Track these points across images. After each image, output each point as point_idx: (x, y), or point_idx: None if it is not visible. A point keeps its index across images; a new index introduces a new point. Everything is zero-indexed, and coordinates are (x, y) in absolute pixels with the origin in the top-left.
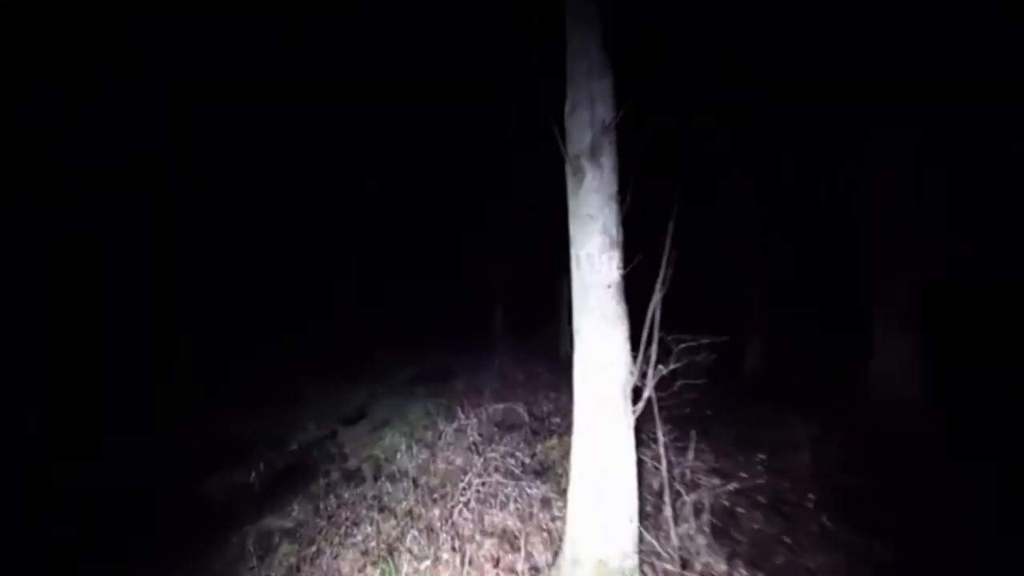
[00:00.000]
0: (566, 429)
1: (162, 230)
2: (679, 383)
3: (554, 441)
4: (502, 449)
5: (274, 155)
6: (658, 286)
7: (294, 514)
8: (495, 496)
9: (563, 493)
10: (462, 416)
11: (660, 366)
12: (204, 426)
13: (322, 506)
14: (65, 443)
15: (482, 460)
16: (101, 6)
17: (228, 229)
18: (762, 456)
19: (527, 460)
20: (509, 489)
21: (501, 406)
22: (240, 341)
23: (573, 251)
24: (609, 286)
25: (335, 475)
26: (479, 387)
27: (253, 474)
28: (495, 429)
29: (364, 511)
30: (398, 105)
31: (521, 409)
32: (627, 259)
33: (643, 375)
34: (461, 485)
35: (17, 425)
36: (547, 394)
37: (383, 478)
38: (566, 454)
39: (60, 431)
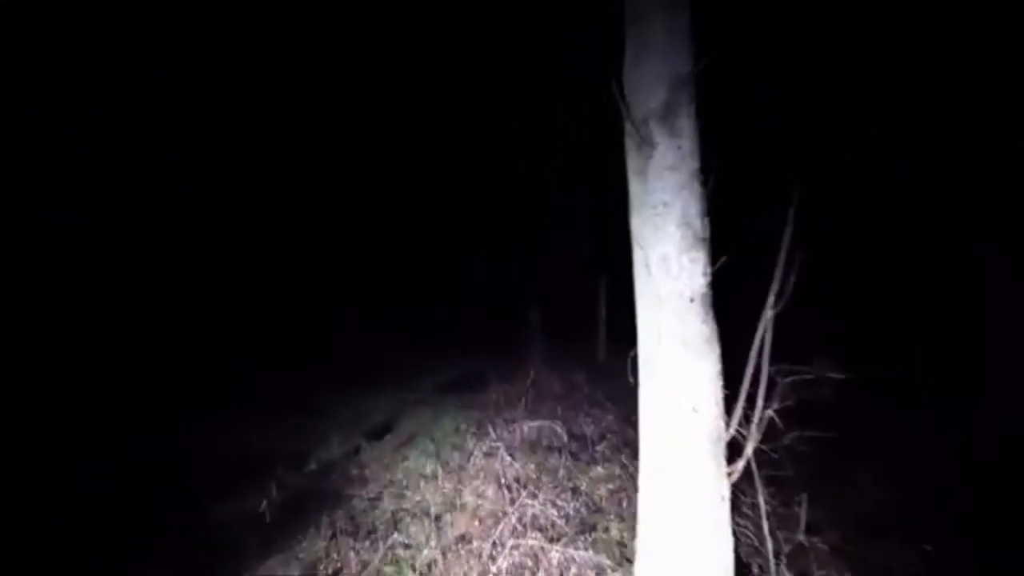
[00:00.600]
0: (612, 454)
1: (162, 229)
2: (792, 435)
3: (599, 471)
4: (541, 497)
5: (274, 154)
6: (771, 300)
7: (302, 556)
8: (534, 570)
9: (621, 563)
10: (493, 434)
11: (768, 410)
12: (217, 438)
13: (332, 552)
14: (59, 452)
15: (517, 512)
16: (99, 5)
17: (227, 228)
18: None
19: (571, 505)
20: (552, 558)
21: (536, 424)
22: (249, 342)
23: (638, 252)
24: (692, 299)
25: (353, 504)
26: (513, 398)
27: (264, 503)
28: (531, 453)
29: (377, 562)
30: (401, 104)
31: (559, 428)
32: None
33: (743, 423)
34: (492, 539)
35: (15, 442)
36: (587, 410)
37: (403, 513)
38: (617, 490)
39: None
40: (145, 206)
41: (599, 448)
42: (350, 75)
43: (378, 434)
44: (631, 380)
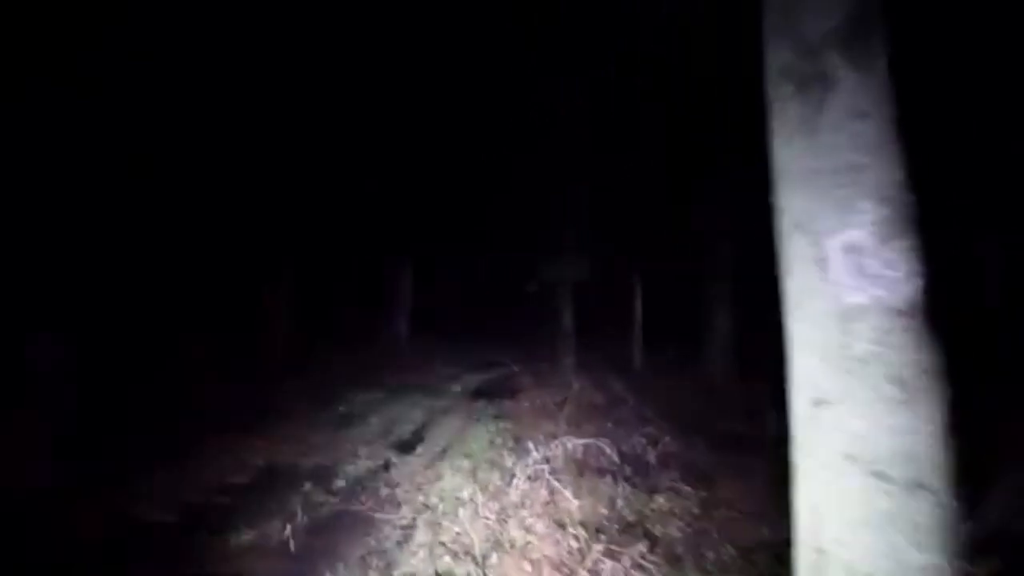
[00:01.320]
0: (675, 482)
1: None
2: None
3: (662, 502)
4: (613, 547)
5: (281, 154)
6: None
7: None
8: None
9: None
10: (534, 452)
11: None
12: (242, 449)
13: None
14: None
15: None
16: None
17: (234, 218)
18: None
19: (647, 558)
20: None
21: (582, 442)
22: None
23: (797, 241)
24: (901, 311)
25: (384, 533)
26: (550, 408)
27: (288, 528)
28: (577, 476)
29: None
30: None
31: (608, 448)
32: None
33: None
34: None
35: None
36: (638, 426)
37: (441, 549)
38: (693, 532)
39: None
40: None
41: (659, 474)
42: (351, 72)
43: (408, 446)
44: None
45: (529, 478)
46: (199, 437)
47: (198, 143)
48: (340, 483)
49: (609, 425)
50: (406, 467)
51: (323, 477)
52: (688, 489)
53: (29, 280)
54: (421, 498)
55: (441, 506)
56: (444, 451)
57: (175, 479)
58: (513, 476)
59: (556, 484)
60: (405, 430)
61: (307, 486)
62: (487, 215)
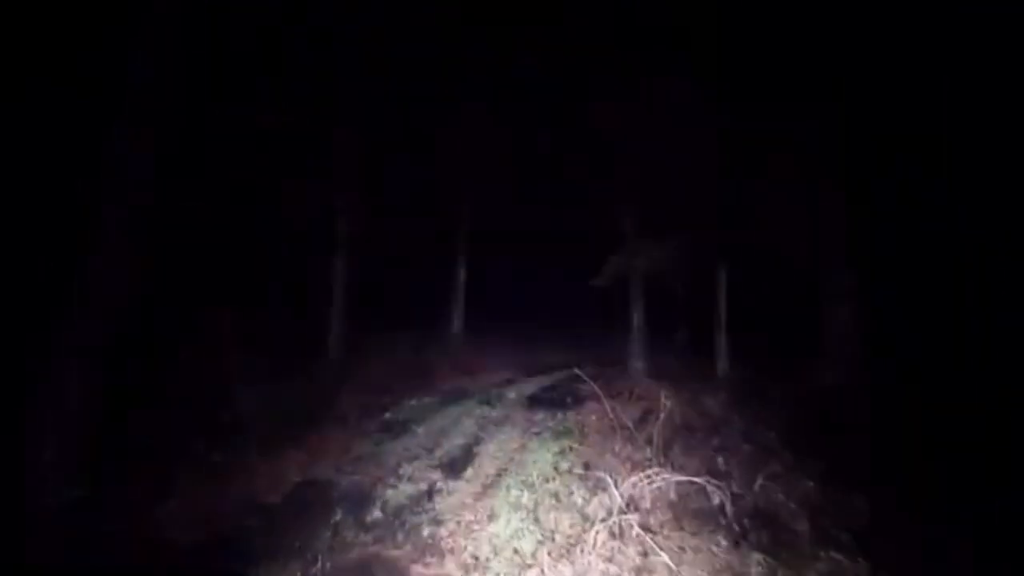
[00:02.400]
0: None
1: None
2: None
3: None
4: None
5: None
6: None
7: None
8: None
9: None
10: (614, 489)
11: None
12: (280, 464)
13: None
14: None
15: None
16: None
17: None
18: None
19: None
20: None
21: (677, 479)
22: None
23: None
24: None
25: None
26: (624, 424)
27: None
28: (678, 529)
29: None
30: None
31: (720, 493)
32: None
33: None
34: None
35: None
36: (756, 460)
37: None
38: None
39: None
40: None
41: (803, 539)
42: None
43: (456, 467)
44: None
45: (611, 531)
46: (242, 443)
47: None
48: (376, 513)
49: (716, 456)
50: (453, 495)
51: (358, 502)
52: (850, 563)
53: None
54: (470, 546)
55: (494, 562)
56: (498, 476)
57: (212, 491)
58: (589, 523)
59: (650, 542)
60: (454, 445)
61: (339, 514)
62: (543, 201)
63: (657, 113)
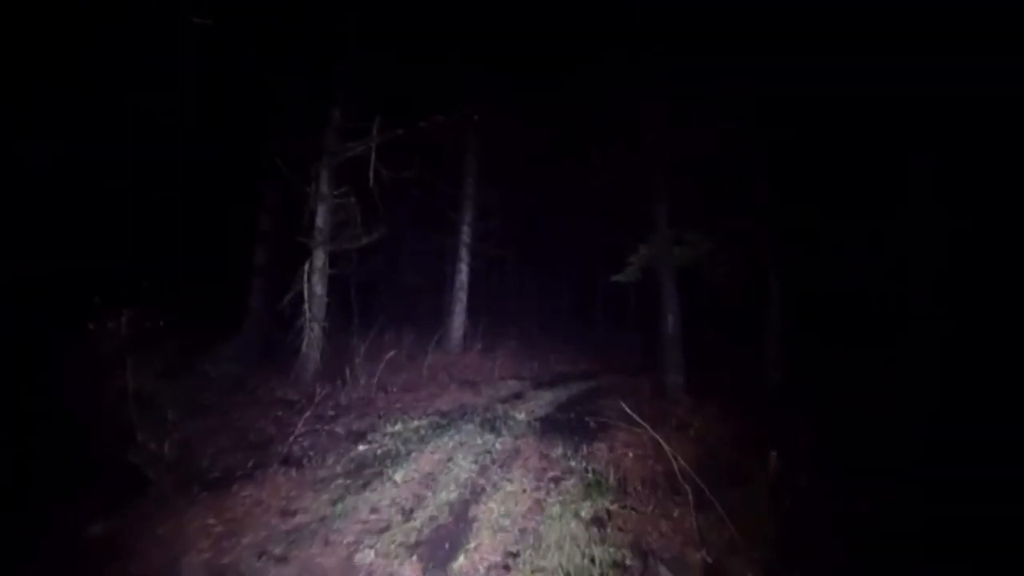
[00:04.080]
0: None
1: None
2: None
3: None
4: None
5: None
6: None
7: None
8: None
9: None
10: None
11: None
12: (193, 529)
13: None
14: None
15: None
16: None
17: None
18: None
19: None
20: None
21: None
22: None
23: None
24: None
25: None
26: (684, 474)
27: None
28: None
29: None
30: None
31: None
32: None
33: None
34: None
35: None
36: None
37: None
38: None
39: None
40: None
41: None
42: None
43: (442, 552)
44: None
45: None
46: (142, 501)
47: None
48: None
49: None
50: None
51: None
52: None
53: None
54: None
55: None
56: (506, 569)
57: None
58: None
59: None
60: (443, 503)
61: None
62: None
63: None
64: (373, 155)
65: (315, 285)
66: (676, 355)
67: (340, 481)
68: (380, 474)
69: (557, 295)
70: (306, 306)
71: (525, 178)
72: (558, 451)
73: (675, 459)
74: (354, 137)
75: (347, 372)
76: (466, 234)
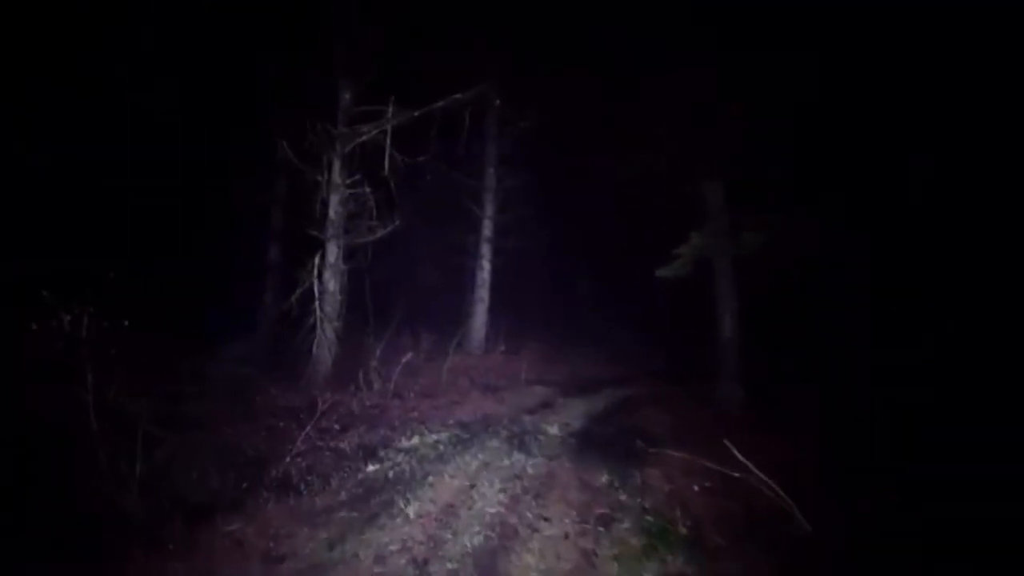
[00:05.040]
0: None
1: None
2: None
3: None
4: None
5: None
6: None
7: None
8: None
9: None
10: None
11: None
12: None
13: None
14: None
15: None
16: None
17: None
18: None
19: None
20: None
21: None
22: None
23: None
24: None
25: None
26: (755, 520)
27: None
28: None
29: None
30: None
31: None
32: None
33: None
34: None
35: None
36: None
37: None
38: None
39: None
40: None
41: None
42: None
43: None
44: None
45: None
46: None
47: None
48: None
49: None
50: None
51: None
52: None
53: None
54: None
55: None
56: None
57: None
58: None
59: None
60: (464, 553)
61: None
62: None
63: None
64: (388, 139)
65: (327, 281)
66: (733, 363)
67: (342, 514)
68: (391, 504)
69: (580, 291)
70: (316, 304)
71: (549, 164)
72: (602, 479)
73: (781, 496)
74: (367, 120)
75: (360, 376)
76: (488, 228)
